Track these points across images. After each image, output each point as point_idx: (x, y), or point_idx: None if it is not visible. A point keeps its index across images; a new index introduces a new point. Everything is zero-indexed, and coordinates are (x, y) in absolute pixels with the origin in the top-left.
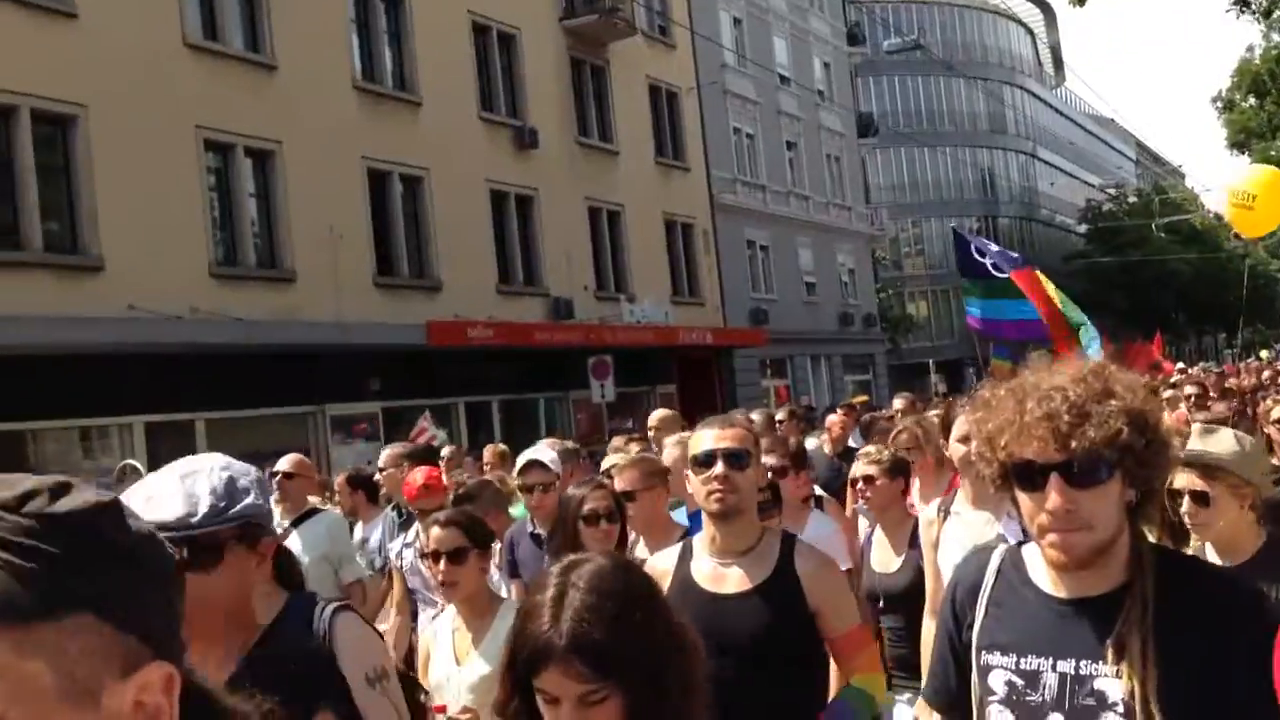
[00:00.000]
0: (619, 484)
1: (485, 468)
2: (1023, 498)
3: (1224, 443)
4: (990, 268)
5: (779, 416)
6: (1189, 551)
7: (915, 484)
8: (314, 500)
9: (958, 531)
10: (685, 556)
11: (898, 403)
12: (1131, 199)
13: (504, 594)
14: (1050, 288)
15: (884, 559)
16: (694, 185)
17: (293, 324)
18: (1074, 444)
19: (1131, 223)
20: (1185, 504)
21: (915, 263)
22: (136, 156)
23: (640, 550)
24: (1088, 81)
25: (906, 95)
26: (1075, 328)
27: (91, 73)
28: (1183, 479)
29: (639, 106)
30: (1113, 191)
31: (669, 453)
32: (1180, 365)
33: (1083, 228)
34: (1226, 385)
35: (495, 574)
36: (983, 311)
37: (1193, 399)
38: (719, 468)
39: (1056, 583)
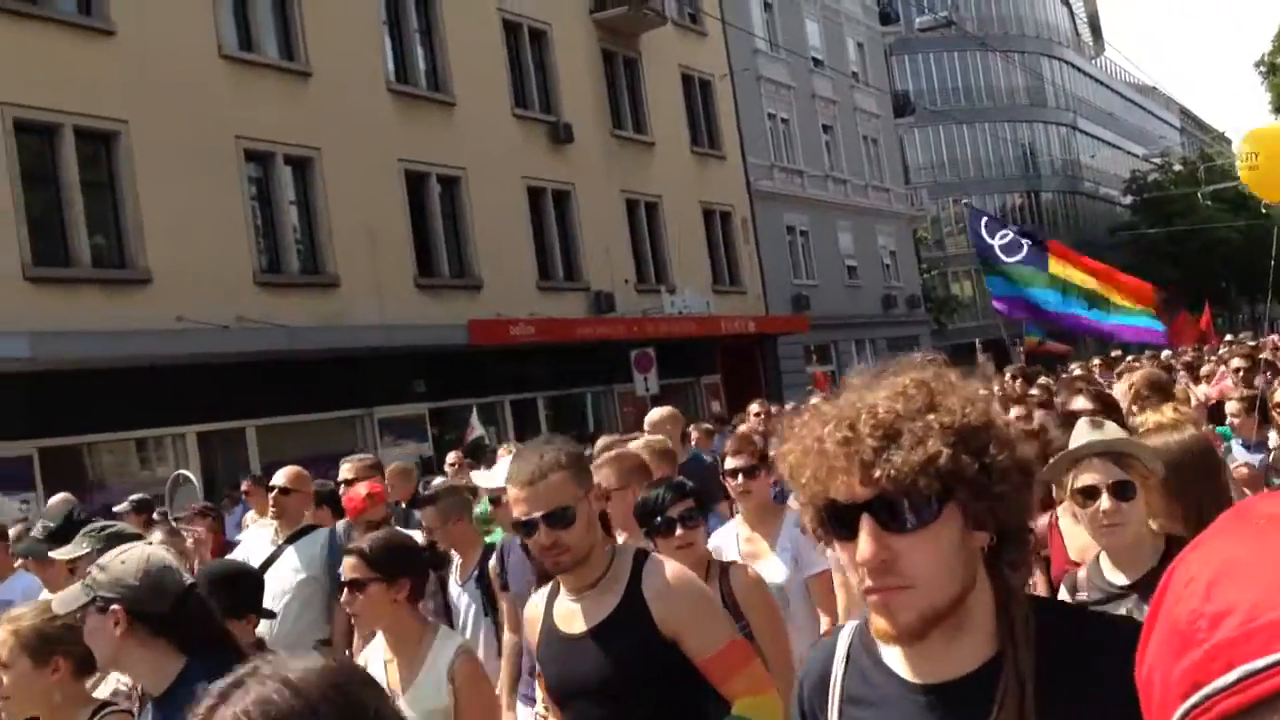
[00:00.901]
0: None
1: (449, 469)
2: (842, 551)
3: (1117, 433)
4: (999, 250)
5: (754, 409)
6: (1080, 572)
7: None
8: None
9: None
10: (551, 597)
11: None
12: (1177, 167)
13: (463, 613)
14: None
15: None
16: (731, 173)
17: (337, 329)
18: (878, 473)
19: (1178, 191)
20: (1104, 501)
21: (958, 241)
22: (178, 169)
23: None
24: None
25: (943, 72)
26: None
27: (131, 89)
28: (1094, 474)
29: (672, 96)
30: (1157, 161)
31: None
32: (1228, 337)
33: (1128, 199)
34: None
35: (459, 594)
36: (1006, 292)
37: (1241, 373)
38: (542, 536)
39: (910, 664)
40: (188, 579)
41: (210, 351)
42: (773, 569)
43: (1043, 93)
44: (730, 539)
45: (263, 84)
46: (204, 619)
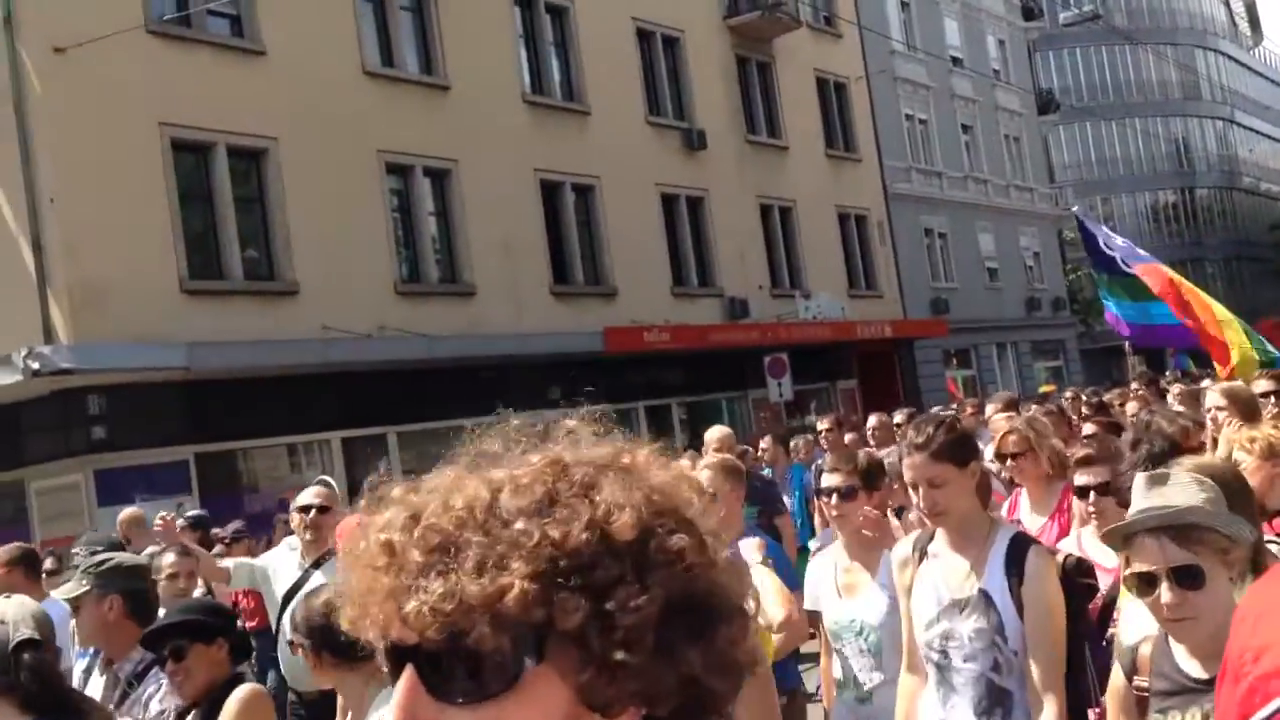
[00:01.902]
0: None
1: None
2: None
3: (1189, 490)
4: (1121, 262)
5: (823, 426)
6: (1144, 648)
7: (1023, 495)
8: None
9: (934, 577)
10: None
11: (990, 408)
12: None
13: None
14: (1185, 285)
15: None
16: (866, 176)
17: (474, 337)
18: (409, 608)
19: None
20: (1164, 592)
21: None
22: (324, 183)
23: None
24: None
25: (1090, 67)
26: (1223, 324)
27: (280, 107)
28: (1148, 558)
29: (807, 100)
30: None
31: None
32: None
33: None
34: None
35: None
36: (1122, 312)
37: None
38: None
39: None
40: (22, 635)
41: (354, 360)
42: (868, 605)
43: (1197, 86)
44: (828, 568)
45: (403, 98)
46: (41, 678)
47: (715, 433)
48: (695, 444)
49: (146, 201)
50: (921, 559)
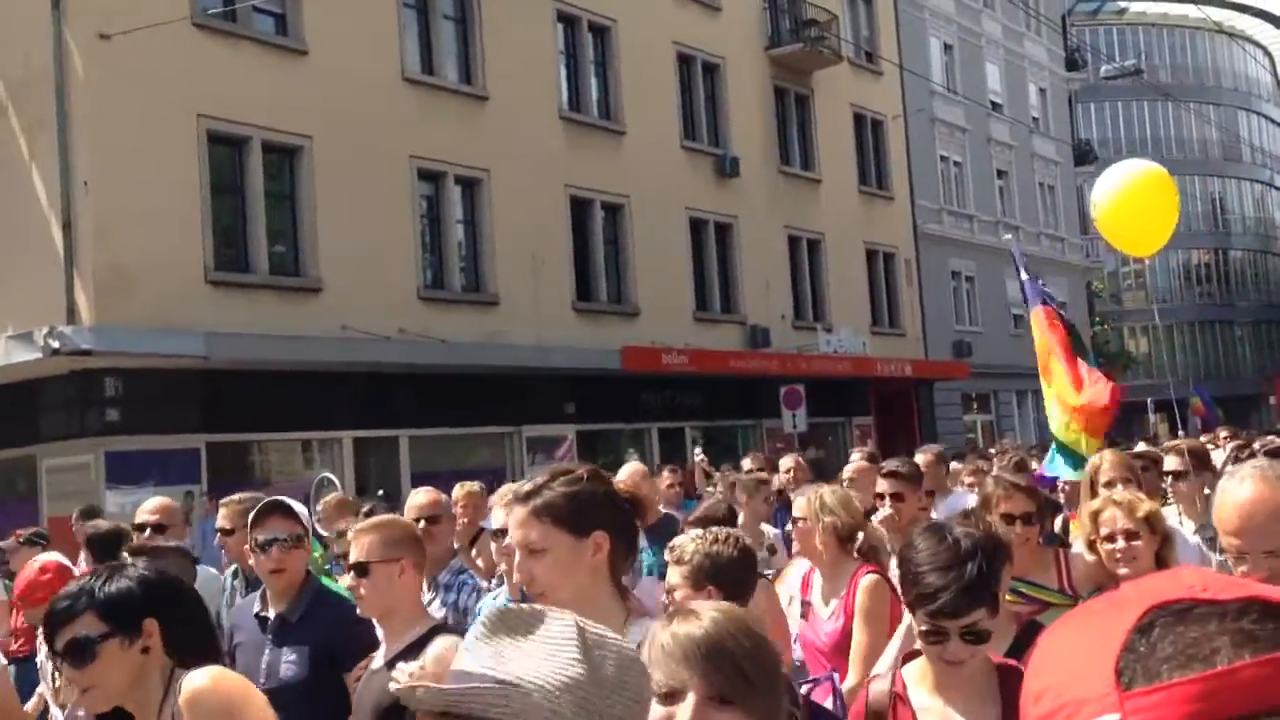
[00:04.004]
0: (353, 553)
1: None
2: None
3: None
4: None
5: (786, 465)
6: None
7: (816, 571)
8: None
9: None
10: None
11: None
12: None
13: None
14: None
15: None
16: (898, 214)
17: (494, 346)
18: None
19: None
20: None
21: (1136, 297)
22: (355, 184)
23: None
24: None
25: (1130, 121)
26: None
27: (318, 106)
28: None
29: (843, 134)
30: None
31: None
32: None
33: None
34: None
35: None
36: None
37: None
38: None
39: None
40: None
41: (372, 360)
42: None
43: (1237, 147)
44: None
45: (440, 106)
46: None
47: (625, 470)
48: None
49: (179, 190)
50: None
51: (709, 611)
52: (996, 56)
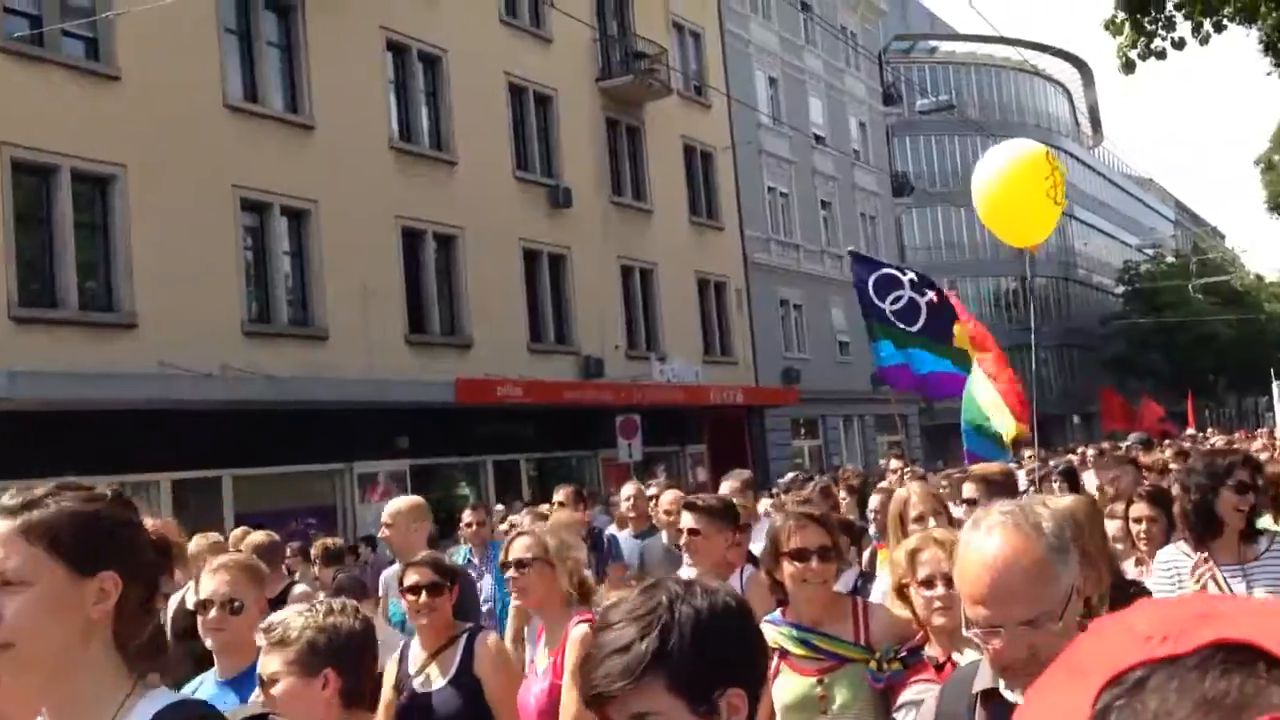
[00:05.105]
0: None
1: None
2: None
3: None
4: (891, 315)
5: (626, 494)
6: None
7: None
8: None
9: None
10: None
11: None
12: (1170, 260)
13: None
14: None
15: None
16: (728, 244)
17: (323, 380)
18: None
19: (1169, 283)
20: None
21: None
22: (173, 215)
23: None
24: (1126, 142)
25: (943, 155)
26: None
27: (132, 133)
28: None
29: (673, 166)
30: (1150, 252)
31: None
32: (1191, 431)
33: (1120, 289)
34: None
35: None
36: (892, 357)
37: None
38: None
39: None
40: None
41: (192, 398)
42: None
43: None
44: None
45: (265, 135)
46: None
47: (400, 502)
48: (545, 498)
49: None
50: None
51: None
52: (819, 90)
